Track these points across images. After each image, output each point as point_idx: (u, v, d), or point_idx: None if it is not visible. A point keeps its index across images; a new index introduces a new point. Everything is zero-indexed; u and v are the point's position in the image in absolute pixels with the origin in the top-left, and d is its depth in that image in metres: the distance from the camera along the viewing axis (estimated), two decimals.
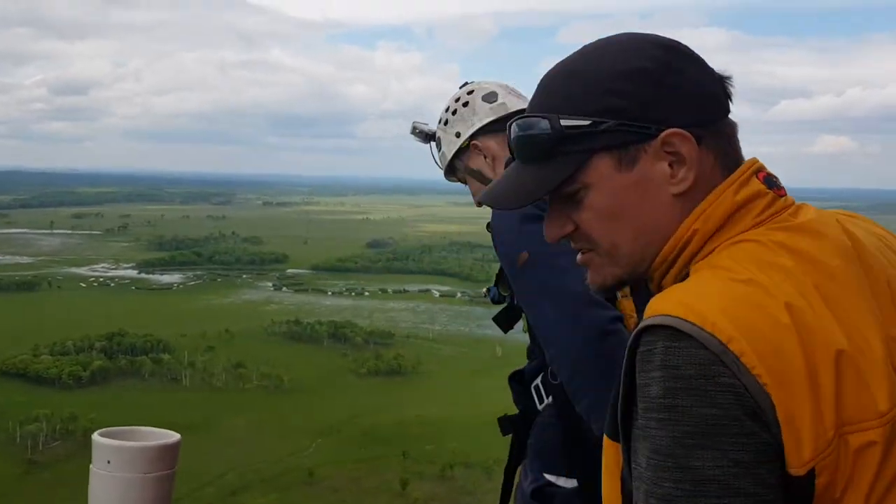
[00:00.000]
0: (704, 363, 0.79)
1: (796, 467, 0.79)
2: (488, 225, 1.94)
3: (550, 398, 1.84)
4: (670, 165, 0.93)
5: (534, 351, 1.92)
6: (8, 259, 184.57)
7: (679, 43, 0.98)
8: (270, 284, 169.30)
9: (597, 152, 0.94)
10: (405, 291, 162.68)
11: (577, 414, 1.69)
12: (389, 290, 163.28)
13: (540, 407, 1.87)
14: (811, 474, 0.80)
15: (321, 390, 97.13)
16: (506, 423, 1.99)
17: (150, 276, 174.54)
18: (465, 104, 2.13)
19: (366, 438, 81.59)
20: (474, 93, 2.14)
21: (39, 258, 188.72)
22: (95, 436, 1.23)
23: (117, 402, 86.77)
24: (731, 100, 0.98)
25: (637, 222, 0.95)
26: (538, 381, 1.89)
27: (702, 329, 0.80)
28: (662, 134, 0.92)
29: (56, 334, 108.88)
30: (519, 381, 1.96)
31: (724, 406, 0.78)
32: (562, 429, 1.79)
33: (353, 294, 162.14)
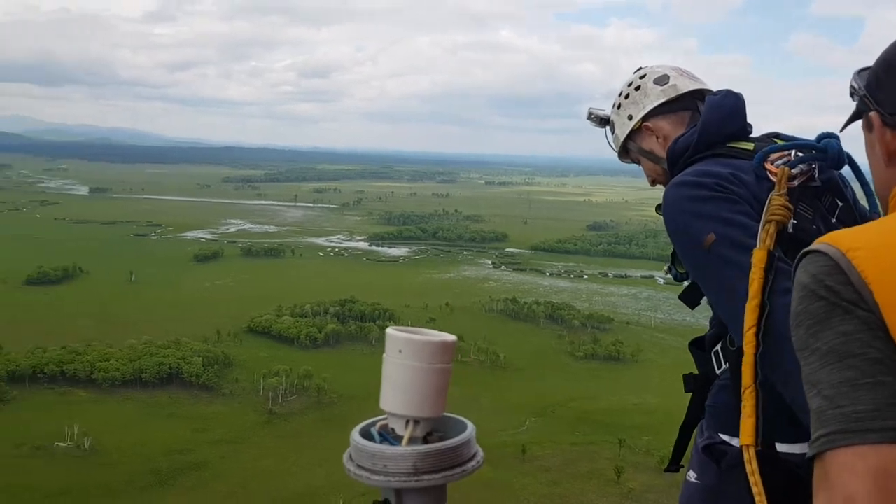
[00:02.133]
0: (819, 271, 1.01)
1: None
2: (658, 207, 1.99)
3: (727, 364, 1.91)
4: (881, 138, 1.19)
5: (714, 320, 1.98)
6: (258, 228, 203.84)
7: None
8: (490, 262, 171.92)
9: (863, 111, 1.22)
10: (626, 277, 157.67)
11: None
12: (610, 275, 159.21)
13: (718, 371, 1.96)
14: None
15: (536, 370, 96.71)
16: (689, 381, 2.11)
17: (380, 248, 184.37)
18: (638, 88, 2.22)
19: (580, 422, 79.99)
20: (646, 77, 2.22)
21: (284, 228, 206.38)
22: (390, 330, 1.42)
23: (347, 363, 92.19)
24: None
25: (877, 178, 1.23)
26: (717, 347, 1.96)
27: (831, 244, 1.02)
28: (870, 114, 1.19)
29: (296, 298, 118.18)
30: (699, 348, 2.05)
31: (828, 298, 0.99)
32: (737, 392, 1.78)
33: (571, 276, 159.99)
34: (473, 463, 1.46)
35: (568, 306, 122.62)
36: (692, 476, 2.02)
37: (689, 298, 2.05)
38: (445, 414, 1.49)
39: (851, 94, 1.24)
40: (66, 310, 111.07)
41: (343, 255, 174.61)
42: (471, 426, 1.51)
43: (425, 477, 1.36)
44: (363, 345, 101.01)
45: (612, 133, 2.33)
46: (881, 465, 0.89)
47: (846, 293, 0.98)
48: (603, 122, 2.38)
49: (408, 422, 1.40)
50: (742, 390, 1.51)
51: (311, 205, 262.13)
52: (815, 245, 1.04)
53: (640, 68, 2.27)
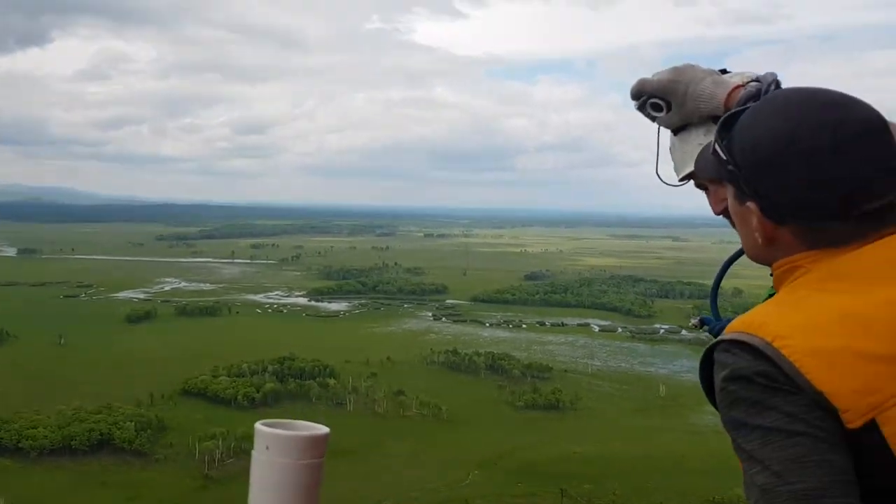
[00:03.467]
0: (751, 359, 1.03)
1: (849, 421, 0.96)
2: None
3: None
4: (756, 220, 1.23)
5: None
6: (193, 286, 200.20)
7: (851, 143, 1.13)
8: (430, 314, 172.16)
9: (730, 182, 1.28)
10: (563, 325, 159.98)
11: None
12: (547, 323, 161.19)
13: None
14: (873, 426, 0.95)
15: (478, 421, 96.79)
16: None
17: (319, 303, 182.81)
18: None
19: (522, 473, 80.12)
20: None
21: (221, 285, 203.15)
22: (258, 424, 1.37)
23: None
24: (865, 204, 1.16)
25: (747, 246, 1.29)
26: None
27: (753, 333, 1.04)
28: (746, 202, 1.24)
29: (233, 357, 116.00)
30: None
31: (767, 385, 1.01)
32: None
33: (510, 326, 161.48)
34: None
35: (508, 356, 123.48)
36: None
37: None
38: None
39: (712, 153, 1.23)
40: None
41: (282, 311, 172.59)
42: None
43: None
44: (303, 403, 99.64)
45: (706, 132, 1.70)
46: None
47: (784, 381, 1.00)
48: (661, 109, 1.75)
49: None
50: None
51: (248, 261, 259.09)
52: (734, 334, 1.03)
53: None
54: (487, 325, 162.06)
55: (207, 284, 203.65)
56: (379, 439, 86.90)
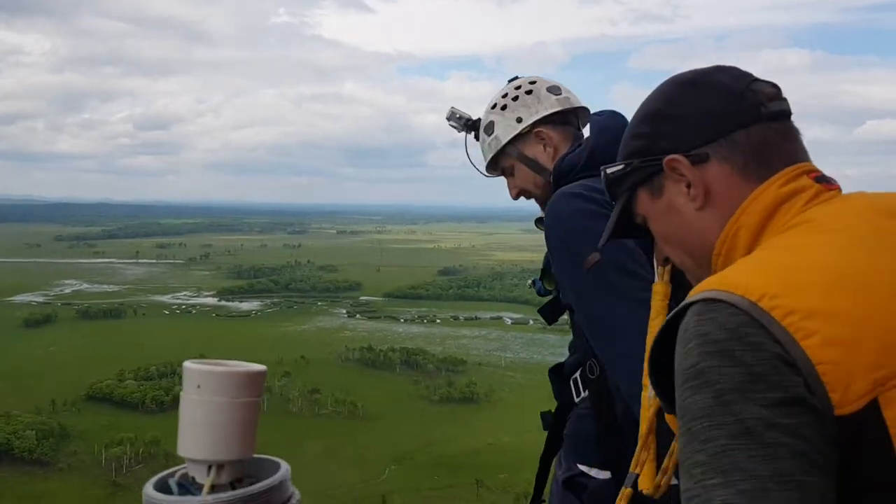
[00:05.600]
0: (734, 325, 0.82)
1: (844, 405, 0.78)
2: (539, 220, 1.92)
3: (587, 391, 1.84)
4: (687, 186, 1.07)
5: (576, 346, 1.91)
6: (96, 288, 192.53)
7: (697, 74, 1.11)
8: (344, 311, 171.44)
9: (637, 187, 1.14)
10: (477, 319, 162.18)
11: (612, 407, 1.74)
12: (461, 318, 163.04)
13: (577, 399, 1.88)
14: (874, 407, 0.78)
15: (394, 417, 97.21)
16: (546, 418, 2.03)
17: (230, 303, 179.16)
18: (529, 92, 2.07)
19: (439, 466, 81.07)
20: (538, 83, 2.09)
21: (125, 286, 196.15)
22: (186, 363, 1.25)
23: None
24: (764, 106, 1.05)
25: (683, 240, 1.11)
26: (577, 374, 1.89)
27: (732, 293, 0.84)
28: (664, 162, 1.08)
29: (140, 360, 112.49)
30: (558, 375, 1.98)
31: (749, 363, 0.80)
32: (596, 421, 1.81)
33: (424, 321, 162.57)
34: None
35: (422, 351, 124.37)
36: None
37: (549, 313, 2.00)
38: (256, 455, 1.32)
39: (614, 185, 1.17)
40: None
41: (191, 311, 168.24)
42: (285, 466, 1.34)
43: None
44: None
45: (488, 135, 2.12)
46: None
47: (772, 355, 0.80)
48: (466, 123, 2.22)
49: (210, 467, 1.23)
50: (641, 434, 1.38)
51: (154, 261, 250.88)
52: (709, 292, 0.86)
53: (516, 77, 2.17)
54: (402, 320, 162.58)
55: (111, 286, 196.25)
56: (294, 439, 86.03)
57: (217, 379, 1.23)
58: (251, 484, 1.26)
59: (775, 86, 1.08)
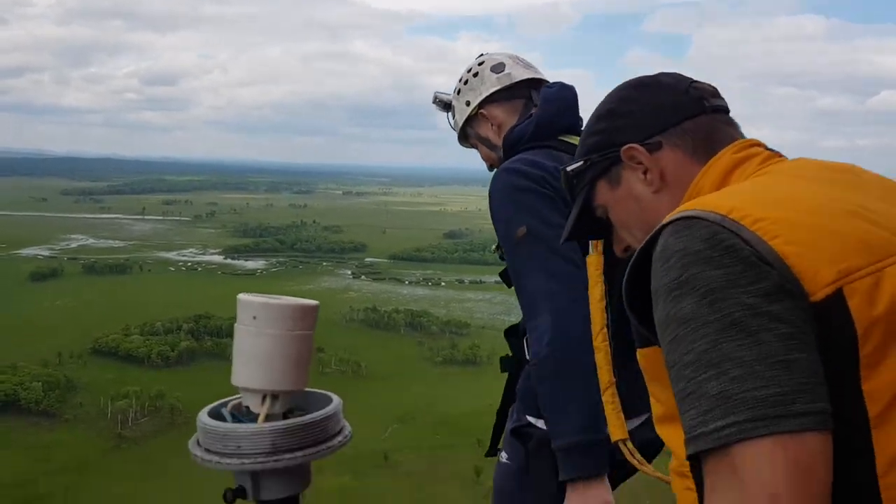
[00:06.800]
0: (709, 235, 0.89)
1: (815, 291, 0.84)
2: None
3: None
4: (644, 173, 1.17)
5: None
6: (102, 243, 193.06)
7: (645, 78, 1.25)
8: (349, 272, 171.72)
9: (596, 181, 1.25)
10: (481, 282, 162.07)
11: None
12: (466, 281, 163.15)
13: (528, 357, 1.97)
14: (839, 297, 0.84)
15: (397, 377, 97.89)
16: (504, 362, 2.20)
17: (235, 261, 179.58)
18: (476, 74, 2.22)
19: (440, 425, 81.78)
20: (484, 63, 2.23)
21: (131, 242, 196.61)
22: (241, 295, 1.27)
23: (202, 381, 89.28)
24: (707, 101, 1.18)
25: (643, 223, 1.18)
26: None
27: (703, 209, 0.92)
28: (622, 152, 1.18)
29: (146, 315, 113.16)
30: (514, 335, 2.13)
31: (728, 265, 0.85)
32: None
33: (429, 284, 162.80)
34: (340, 438, 1.34)
35: (427, 313, 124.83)
36: (504, 457, 2.08)
37: (507, 278, 2.07)
38: (308, 389, 1.37)
39: (575, 181, 1.28)
40: None
41: (196, 269, 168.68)
42: (337, 399, 1.38)
43: (285, 456, 1.25)
44: (220, 361, 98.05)
45: (452, 118, 2.34)
46: (803, 457, 0.78)
47: (746, 256, 0.86)
48: (446, 106, 2.40)
49: (265, 397, 1.27)
50: (603, 389, 1.56)
51: (160, 217, 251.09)
52: (683, 212, 0.94)
53: (481, 55, 2.29)
54: (407, 282, 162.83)
55: (117, 241, 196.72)
56: None
57: (274, 311, 1.24)
58: (303, 416, 1.30)
59: (714, 87, 1.21)
